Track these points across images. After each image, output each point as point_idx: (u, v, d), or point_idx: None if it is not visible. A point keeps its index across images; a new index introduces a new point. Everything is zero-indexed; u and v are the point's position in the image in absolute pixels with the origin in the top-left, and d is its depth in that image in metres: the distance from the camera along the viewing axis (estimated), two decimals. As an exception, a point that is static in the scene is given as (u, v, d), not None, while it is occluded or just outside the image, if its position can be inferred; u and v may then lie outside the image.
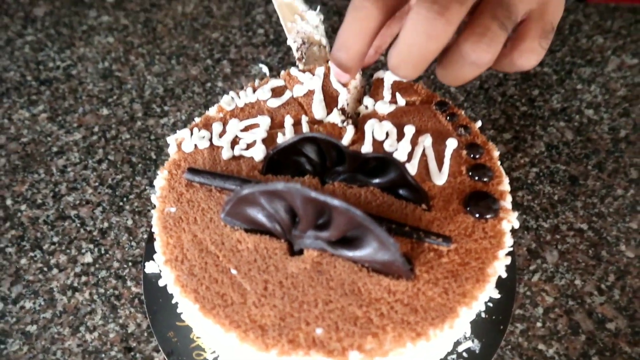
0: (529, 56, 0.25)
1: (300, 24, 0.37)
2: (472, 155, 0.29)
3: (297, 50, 0.37)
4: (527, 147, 0.38)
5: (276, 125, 0.31)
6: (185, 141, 0.30)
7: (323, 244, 0.25)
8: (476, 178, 0.28)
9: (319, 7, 0.37)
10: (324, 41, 0.37)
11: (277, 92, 0.32)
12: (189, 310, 0.25)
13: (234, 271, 0.25)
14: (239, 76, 0.43)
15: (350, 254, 0.24)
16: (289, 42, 0.36)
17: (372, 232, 0.23)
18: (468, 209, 0.26)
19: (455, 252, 0.25)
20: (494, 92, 0.41)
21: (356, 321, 0.23)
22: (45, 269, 0.33)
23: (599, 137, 0.38)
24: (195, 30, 0.46)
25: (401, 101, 0.31)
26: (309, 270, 0.25)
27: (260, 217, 0.25)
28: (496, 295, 0.30)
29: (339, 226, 0.23)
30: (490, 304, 0.30)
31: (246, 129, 0.30)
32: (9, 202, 0.36)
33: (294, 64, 0.43)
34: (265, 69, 0.43)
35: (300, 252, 0.26)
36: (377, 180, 0.27)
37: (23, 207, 0.35)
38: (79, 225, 0.35)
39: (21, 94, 0.42)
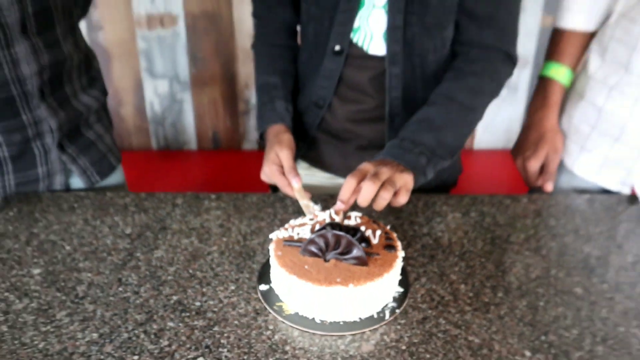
0: (402, 199, 0.77)
1: (310, 207, 0.88)
2: (386, 235, 0.78)
3: (308, 214, 0.87)
4: (411, 243, 0.87)
5: (312, 230, 0.79)
6: (279, 234, 0.77)
7: (337, 255, 0.71)
8: (387, 242, 0.76)
9: (319, 203, 0.90)
10: (319, 211, 0.87)
11: (314, 222, 0.81)
12: (290, 280, 0.69)
13: (306, 267, 0.70)
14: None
15: (346, 257, 0.71)
16: (305, 212, 0.87)
17: (354, 245, 0.70)
18: (385, 248, 0.74)
19: (381, 259, 0.72)
20: (394, 220, 0.92)
21: (350, 277, 0.69)
22: (215, 292, 0.77)
23: (440, 238, 0.88)
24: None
25: (358, 221, 0.81)
26: (332, 266, 0.70)
27: (314, 249, 0.72)
28: (401, 290, 0.76)
29: (343, 245, 0.70)
30: (398, 293, 0.76)
31: (302, 230, 0.78)
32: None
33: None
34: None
35: (328, 261, 0.72)
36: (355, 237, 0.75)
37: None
38: (235, 276, 0.79)
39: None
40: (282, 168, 0.91)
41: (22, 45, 0.89)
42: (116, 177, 1.15)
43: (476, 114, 0.95)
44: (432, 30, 0.93)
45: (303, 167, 1.14)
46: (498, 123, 1.95)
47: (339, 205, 0.78)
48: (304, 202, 0.88)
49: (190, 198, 0.99)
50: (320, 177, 1.13)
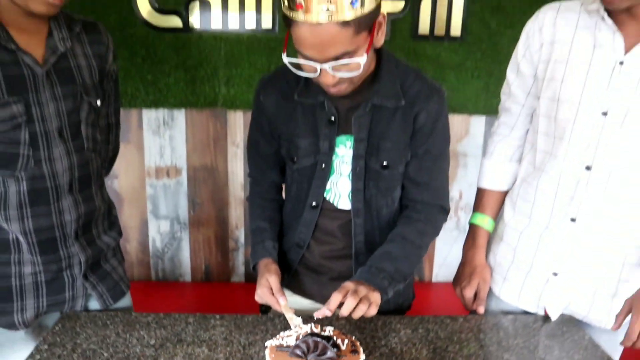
0: (373, 311, 1.04)
1: (294, 319, 1.14)
2: (352, 343, 1.03)
3: (293, 326, 1.12)
4: (372, 352, 1.12)
5: (297, 338, 1.04)
6: (272, 342, 1.02)
7: (315, 357, 0.96)
8: (352, 348, 1.01)
9: (300, 316, 1.16)
10: (301, 323, 1.13)
11: (298, 333, 1.07)
12: (281, 375, 0.93)
13: (293, 365, 0.95)
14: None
15: (322, 357, 0.95)
16: (291, 324, 1.13)
17: (328, 349, 0.95)
18: (351, 352, 0.99)
19: (347, 359, 0.97)
20: (359, 334, 1.17)
21: (325, 372, 0.93)
22: (222, 388, 0.99)
23: (394, 347, 1.13)
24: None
25: (331, 332, 1.06)
26: (312, 364, 0.95)
27: (299, 352, 0.96)
28: (364, 385, 1.00)
29: (320, 349, 0.95)
30: (362, 387, 0.99)
31: (289, 339, 1.03)
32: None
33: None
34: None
35: (309, 360, 0.96)
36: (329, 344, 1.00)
37: None
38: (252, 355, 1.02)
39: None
40: (272, 290, 1.18)
41: (68, 200, 1.18)
42: (125, 301, 1.39)
43: (422, 249, 1.26)
44: (385, 192, 1.27)
45: (287, 295, 1.40)
46: (452, 260, 2.27)
47: (326, 312, 1.04)
48: (289, 315, 1.13)
49: (200, 318, 1.23)
50: (301, 303, 1.40)
